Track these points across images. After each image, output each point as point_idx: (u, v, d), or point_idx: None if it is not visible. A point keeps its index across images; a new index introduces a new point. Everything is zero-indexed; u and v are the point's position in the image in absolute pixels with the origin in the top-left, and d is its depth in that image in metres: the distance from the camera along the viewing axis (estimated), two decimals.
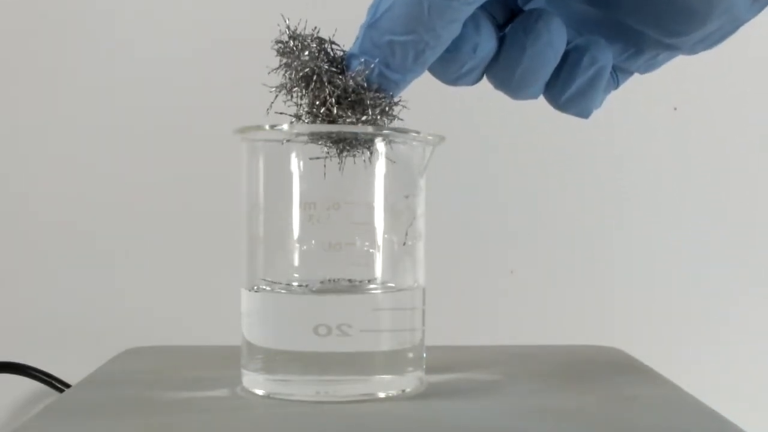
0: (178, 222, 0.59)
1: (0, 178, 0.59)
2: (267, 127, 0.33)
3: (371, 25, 0.29)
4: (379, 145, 0.33)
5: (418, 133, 0.33)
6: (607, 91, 0.34)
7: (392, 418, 0.31)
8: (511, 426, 0.30)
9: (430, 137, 0.34)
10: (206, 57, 0.59)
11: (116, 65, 0.59)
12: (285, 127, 0.32)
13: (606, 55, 0.32)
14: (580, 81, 0.32)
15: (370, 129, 0.32)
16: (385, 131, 0.32)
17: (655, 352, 0.46)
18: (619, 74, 0.34)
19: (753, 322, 0.61)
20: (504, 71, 0.32)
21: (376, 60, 0.30)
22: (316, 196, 0.33)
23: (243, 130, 0.34)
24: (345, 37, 0.32)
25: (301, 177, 0.34)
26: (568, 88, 0.32)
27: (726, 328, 0.61)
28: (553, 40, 0.31)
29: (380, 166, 0.34)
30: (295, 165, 0.34)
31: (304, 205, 0.33)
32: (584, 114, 0.34)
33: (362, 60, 0.30)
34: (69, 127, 0.59)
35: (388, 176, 0.34)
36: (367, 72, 0.30)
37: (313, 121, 0.32)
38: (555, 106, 0.33)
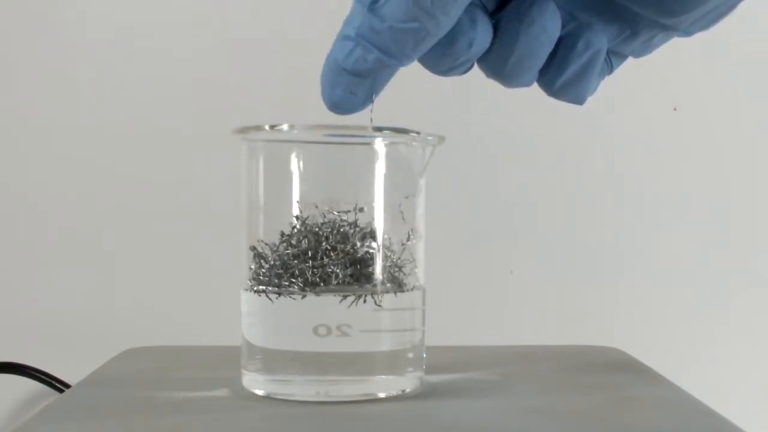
0: (179, 222, 0.59)
1: (0, 178, 0.59)
2: (267, 127, 0.33)
3: (372, 10, 0.29)
4: (379, 146, 0.33)
5: (418, 133, 0.33)
6: (601, 76, 0.34)
7: (392, 418, 0.31)
8: (511, 426, 0.30)
9: (430, 137, 0.34)
10: (206, 57, 0.59)
11: (116, 65, 0.59)
12: (285, 127, 0.32)
13: (600, 40, 0.32)
14: (574, 66, 0.32)
15: (370, 129, 0.32)
16: (385, 131, 0.32)
17: (655, 352, 0.46)
18: (613, 58, 0.34)
19: (753, 322, 0.61)
20: (497, 59, 0.31)
21: (371, 47, 0.29)
22: (316, 196, 0.33)
23: (243, 130, 0.34)
24: None
25: (301, 177, 0.34)
26: (562, 73, 0.32)
27: (726, 328, 0.61)
28: (547, 25, 0.30)
29: (380, 167, 0.34)
30: (295, 165, 0.34)
31: (304, 205, 0.33)
32: (579, 100, 0.33)
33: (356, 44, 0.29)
34: (69, 127, 0.59)
35: (389, 176, 0.34)
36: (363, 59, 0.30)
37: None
38: (549, 92, 0.33)
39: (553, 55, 0.32)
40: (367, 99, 0.31)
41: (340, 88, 0.30)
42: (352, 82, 0.30)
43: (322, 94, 0.31)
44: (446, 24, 0.28)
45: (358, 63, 0.29)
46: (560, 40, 0.32)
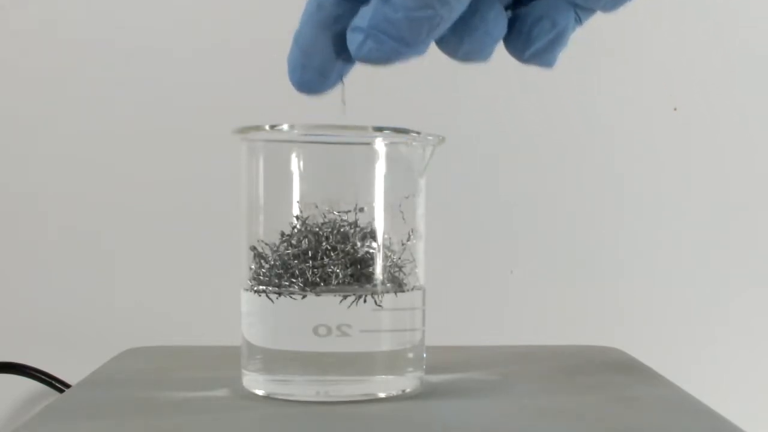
0: (179, 222, 0.59)
1: (0, 178, 0.59)
2: (267, 127, 0.33)
3: (384, 1, 0.28)
4: (379, 146, 0.33)
5: (418, 133, 0.33)
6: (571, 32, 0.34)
7: (392, 418, 0.31)
8: (510, 426, 0.30)
9: (430, 138, 0.34)
10: (206, 57, 0.59)
11: (116, 65, 0.59)
12: (285, 127, 0.32)
13: (566, 17, 0.32)
14: (540, 43, 0.32)
15: (370, 129, 0.32)
16: (385, 131, 0.32)
17: (655, 352, 0.46)
18: (581, 13, 0.34)
19: (753, 322, 0.61)
20: (449, 47, 0.32)
21: (385, 36, 0.29)
22: (316, 196, 0.33)
23: (243, 130, 0.34)
24: None
25: (301, 177, 0.34)
26: (530, 47, 0.32)
27: (726, 328, 0.61)
28: (489, 30, 0.31)
29: (380, 167, 0.34)
30: (295, 165, 0.34)
31: (304, 205, 0.33)
32: (549, 65, 0.33)
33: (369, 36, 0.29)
34: (69, 127, 0.59)
35: (389, 176, 0.34)
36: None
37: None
38: (519, 60, 0.33)
39: (519, 32, 0.32)
40: (337, 79, 0.31)
41: (311, 70, 0.30)
42: (324, 65, 0.30)
43: (290, 75, 0.31)
44: (458, 8, 0.29)
45: (372, 53, 0.29)
46: (526, 19, 0.32)
